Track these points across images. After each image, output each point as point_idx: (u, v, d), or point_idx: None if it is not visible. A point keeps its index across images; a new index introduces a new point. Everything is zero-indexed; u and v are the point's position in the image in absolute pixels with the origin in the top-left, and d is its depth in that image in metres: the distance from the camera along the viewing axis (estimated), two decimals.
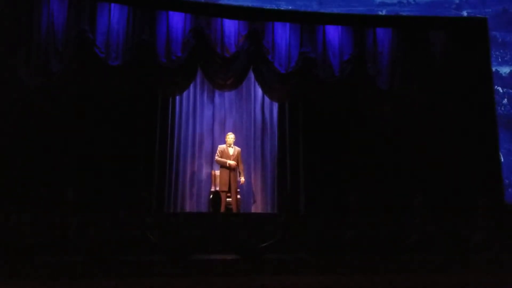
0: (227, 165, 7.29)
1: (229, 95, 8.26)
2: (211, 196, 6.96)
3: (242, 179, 7.47)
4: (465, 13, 8.35)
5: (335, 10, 8.11)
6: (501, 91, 8.13)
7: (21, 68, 6.81)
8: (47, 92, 6.92)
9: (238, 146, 7.60)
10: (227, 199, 7.23)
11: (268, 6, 8.00)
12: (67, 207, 5.39)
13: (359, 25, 8.01)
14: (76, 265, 4.62)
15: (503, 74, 8.17)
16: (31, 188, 6.41)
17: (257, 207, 7.95)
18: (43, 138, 6.76)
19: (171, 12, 7.55)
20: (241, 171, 7.46)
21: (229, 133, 7.60)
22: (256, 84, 8.06)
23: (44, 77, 6.94)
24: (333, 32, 7.96)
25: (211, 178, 7.79)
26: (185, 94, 8.00)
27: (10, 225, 5.23)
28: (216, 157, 7.43)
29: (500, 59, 8.24)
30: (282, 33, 7.87)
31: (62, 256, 4.84)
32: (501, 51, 8.26)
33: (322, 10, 8.08)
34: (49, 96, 6.91)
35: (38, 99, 6.86)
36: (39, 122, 6.79)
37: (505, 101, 8.09)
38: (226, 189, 7.20)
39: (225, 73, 7.63)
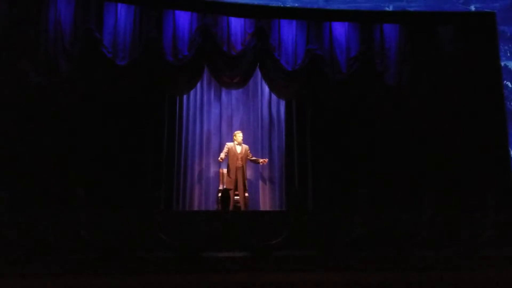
0: (219, 159, 7.41)
1: (236, 93, 8.26)
2: (219, 194, 6.98)
3: (263, 160, 7.60)
4: (473, 8, 8.31)
5: (342, 7, 8.13)
6: (510, 85, 8.08)
7: (29, 67, 6.86)
8: (56, 92, 6.97)
9: (246, 144, 7.61)
10: (235, 197, 7.26)
11: (274, 3, 8.02)
12: (77, 206, 5.43)
13: (366, 21, 7.97)
14: (88, 261, 4.67)
15: None
16: (42, 187, 6.46)
17: (265, 205, 7.96)
18: (52, 137, 6.80)
19: (177, 11, 7.57)
20: (256, 160, 7.57)
21: (237, 132, 7.61)
22: (263, 81, 8.06)
23: (52, 76, 6.99)
24: (340, 29, 7.93)
25: (219, 176, 7.80)
26: (192, 92, 8.02)
27: (22, 223, 5.28)
28: (222, 154, 7.43)
29: (509, 54, 8.19)
30: (289, 31, 7.86)
31: (74, 253, 4.90)
32: (510, 45, 8.22)
33: (328, 7, 8.10)
34: (57, 96, 6.96)
35: (46, 99, 6.92)
36: (48, 121, 6.84)
37: None
38: (232, 187, 7.22)
39: (231, 71, 7.64)
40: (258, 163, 7.64)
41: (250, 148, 7.65)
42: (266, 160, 7.69)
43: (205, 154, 8.07)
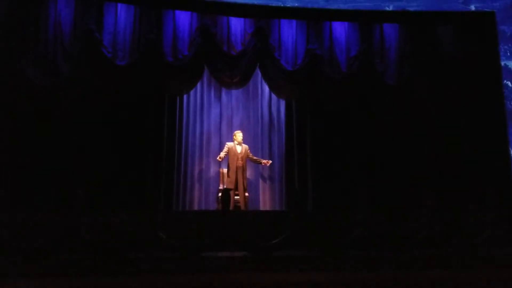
0: (218, 158, 7.37)
1: (236, 93, 8.26)
2: (219, 194, 6.98)
3: (266, 161, 7.56)
4: (473, 7, 8.31)
5: (342, 6, 8.13)
6: (510, 85, 8.07)
7: (29, 68, 6.87)
8: (56, 92, 6.97)
9: (245, 144, 7.60)
10: (235, 196, 7.26)
11: (274, 3, 8.01)
12: (77, 207, 5.44)
13: (366, 21, 7.97)
14: (88, 262, 4.67)
15: None
16: (42, 188, 6.47)
17: (265, 205, 7.96)
18: (52, 137, 6.81)
19: (177, 11, 7.58)
20: (258, 160, 7.58)
21: (237, 131, 7.61)
22: (263, 81, 8.06)
23: (52, 77, 6.99)
24: (339, 29, 7.93)
25: (219, 176, 7.80)
26: (192, 92, 8.03)
27: (21, 225, 5.28)
28: (221, 154, 7.41)
29: (508, 53, 8.18)
30: (289, 30, 7.86)
31: (74, 254, 4.90)
32: (510, 45, 8.21)
33: (328, 7, 8.10)
34: (57, 96, 6.97)
35: (46, 99, 6.92)
36: (48, 122, 6.84)
37: None
38: (232, 187, 7.22)
39: (231, 71, 7.63)
40: (260, 163, 7.62)
41: (250, 148, 7.65)
42: (270, 161, 7.65)
43: (205, 154, 8.07)
